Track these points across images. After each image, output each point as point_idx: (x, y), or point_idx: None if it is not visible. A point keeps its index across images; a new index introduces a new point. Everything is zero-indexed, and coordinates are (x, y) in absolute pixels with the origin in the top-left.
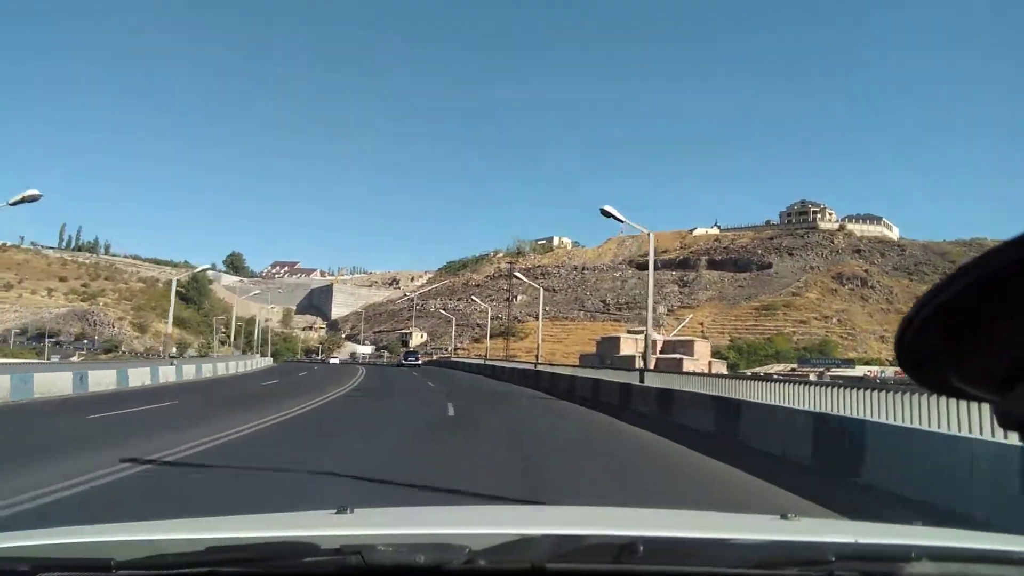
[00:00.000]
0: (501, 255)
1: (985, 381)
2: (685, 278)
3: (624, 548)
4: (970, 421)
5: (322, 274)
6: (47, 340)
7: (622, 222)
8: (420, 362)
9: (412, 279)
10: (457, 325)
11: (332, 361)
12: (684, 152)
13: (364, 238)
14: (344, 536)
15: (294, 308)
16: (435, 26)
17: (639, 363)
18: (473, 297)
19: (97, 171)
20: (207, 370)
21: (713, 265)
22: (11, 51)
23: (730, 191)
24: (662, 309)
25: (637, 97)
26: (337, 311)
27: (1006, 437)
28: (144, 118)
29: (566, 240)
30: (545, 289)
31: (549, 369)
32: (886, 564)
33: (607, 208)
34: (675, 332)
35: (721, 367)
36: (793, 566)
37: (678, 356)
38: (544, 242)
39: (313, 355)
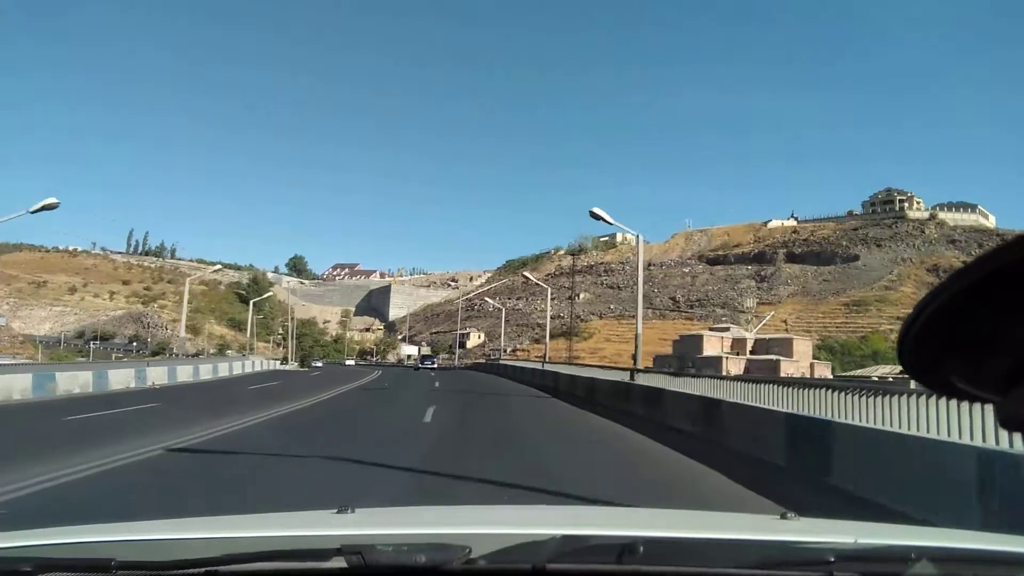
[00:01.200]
0: (562, 252)
1: (988, 382)
2: (762, 272)
3: (625, 548)
4: None
5: (382, 275)
6: (91, 343)
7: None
8: (436, 365)
9: (471, 279)
10: (517, 325)
11: (348, 362)
12: (753, 143)
13: (424, 239)
14: (344, 536)
15: (353, 310)
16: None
17: (728, 366)
18: (525, 273)
19: (166, 179)
20: (205, 371)
21: (792, 258)
22: (88, 67)
23: (805, 181)
24: (750, 303)
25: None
26: (395, 312)
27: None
28: (211, 130)
29: (630, 236)
30: (608, 287)
31: (669, 387)
32: (886, 564)
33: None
34: (757, 330)
35: (824, 370)
36: (793, 566)
37: (773, 357)
38: (607, 239)
39: (368, 356)
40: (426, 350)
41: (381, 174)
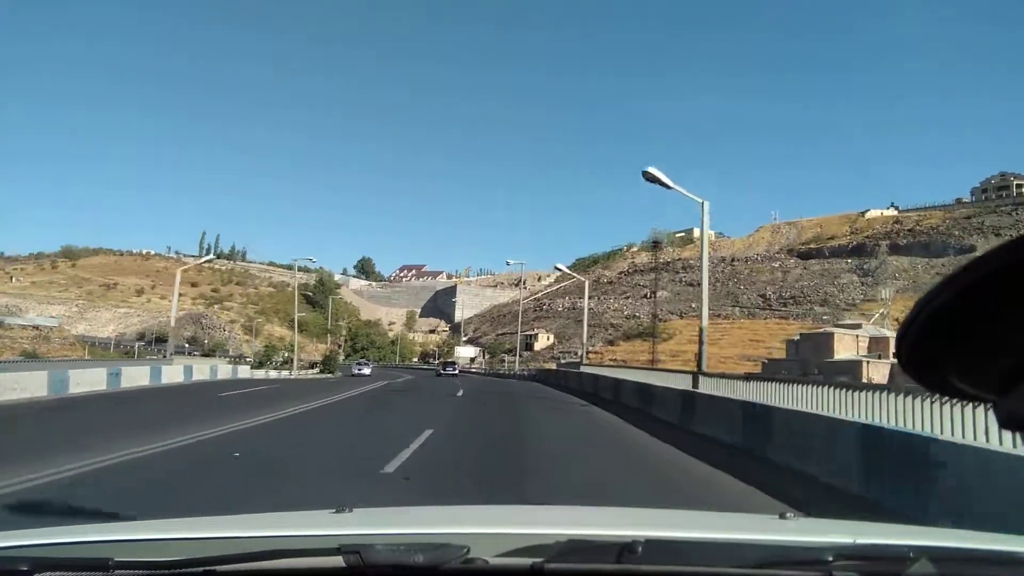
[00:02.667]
0: (635, 249)
1: (986, 382)
2: (864, 266)
3: (624, 548)
4: None
5: (448, 277)
6: (137, 344)
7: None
8: (457, 371)
9: (539, 279)
10: (588, 326)
11: (364, 371)
12: (848, 128)
13: (492, 240)
14: (343, 535)
15: (418, 311)
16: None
17: (869, 372)
18: (559, 265)
19: (240, 183)
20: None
21: (897, 250)
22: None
23: (905, 167)
24: (886, 293)
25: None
26: (460, 313)
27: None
28: (285, 134)
29: (710, 231)
30: (688, 284)
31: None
32: (885, 564)
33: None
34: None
35: None
36: (792, 566)
37: None
38: (683, 234)
39: (431, 359)
40: (472, 352)
41: (450, 177)
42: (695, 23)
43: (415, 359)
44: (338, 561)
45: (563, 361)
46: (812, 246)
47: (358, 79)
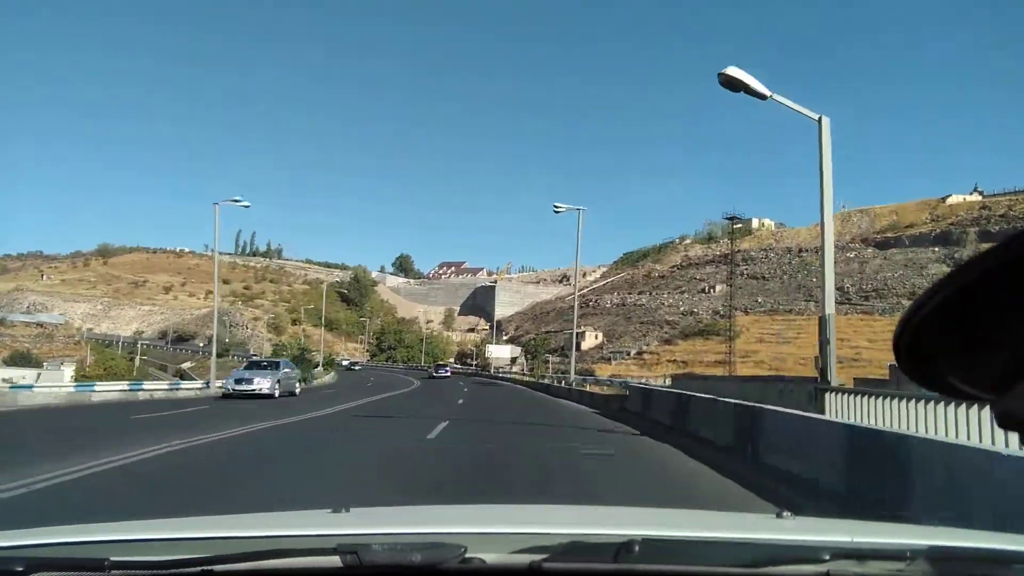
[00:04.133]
0: (688, 241)
1: (984, 380)
2: (954, 255)
3: (622, 547)
4: None
5: (489, 274)
6: (138, 342)
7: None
8: (449, 374)
9: (584, 275)
10: (640, 323)
11: (355, 366)
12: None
13: (534, 237)
14: (340, 535)
15: (457, 309)
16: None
17: None
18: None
19: (277, 180)
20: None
21: (987, 237)
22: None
23: (984, 149)
24: None
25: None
26: (501, 311)
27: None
28: (321, 128)
29: (767, 221)
30: (751, 277)
31: None
32: (882, 563)
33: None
34: None
35: None
36: (789, 565)
37: None
38: (740, 225)
39: (468, 360)
40: (508, 352)
41: (491, 171)
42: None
43: (451, 359)
44: (335, 561)
45: (613, 363)
46: (889, 235)
47: (401, 74)
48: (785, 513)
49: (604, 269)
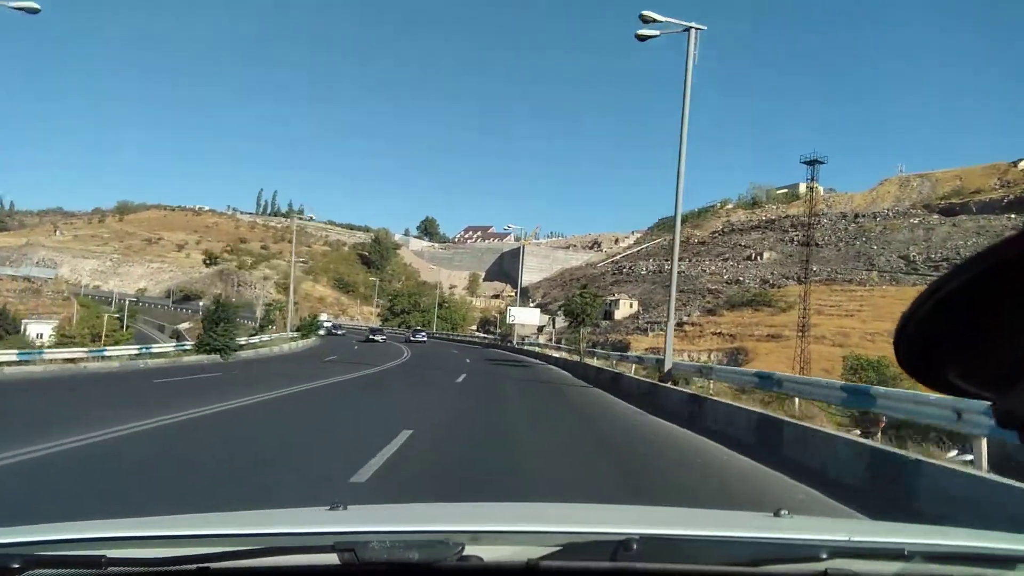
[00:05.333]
0: (731, 206)
1: (984, 379)
2: None
3: (620, 545)
4: None
5: (516, 239)
6: (137, 300)
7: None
8: (426, 339)
9: (616, 241)
10: (680, 292)
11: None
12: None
13: (563, 202)
14: (337, 533)
15: (482, 275)
16: None
17: None
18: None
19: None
20: None
21: None
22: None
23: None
24: None
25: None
26: (528, 276)
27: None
28: (352, 93)
29: (817, 186)
30: (802, 243)
31: None
32: (879, 562)
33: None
34: None
35: None
36: (787, 563)
37: None
38: (786, 190)
39: (491, 327)
40: (536, 318)
41: (520, 134)
42: None
43: (473, 327)
44: (333, 558)
45: (651, 334)
46: (954, 201)
47: (429, 35)
48: (783, 512)
49: (638, 235)
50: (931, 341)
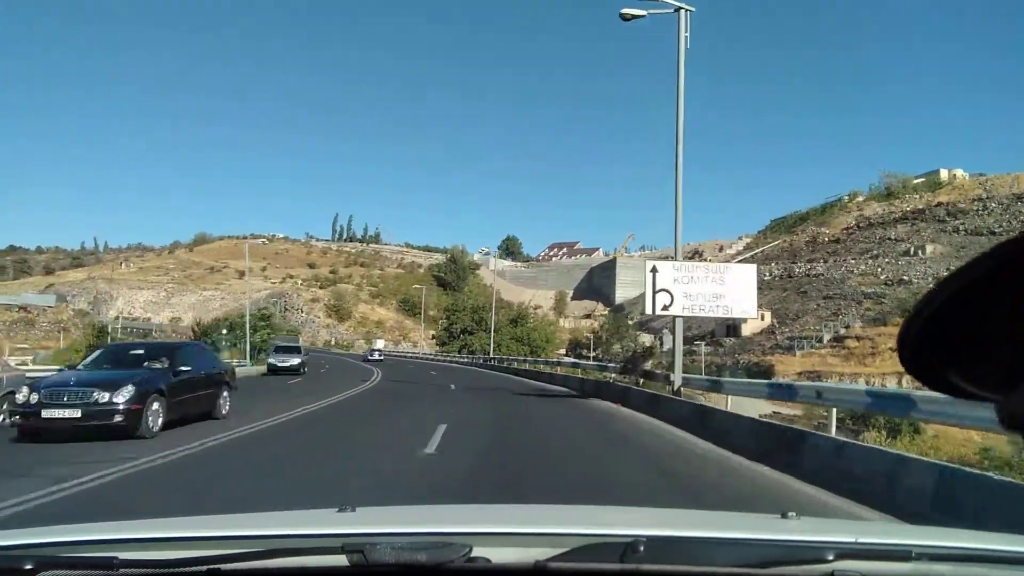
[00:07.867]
0: (861, 199)
1: (988, 381)
2: None
3: (627, 547)
4: None
5: (605, 255)
6: (129, 328)
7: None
8: (382, 358)
9: (720, 249)
10: (823, 298)
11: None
12: None
13: (657, 210)
14: (346, 534)
15: (570, 293)
16: None
17: None
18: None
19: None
20: None
21: None
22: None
23: None
24: None
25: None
26: (622, 293)
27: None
28: (426, 114)
29: (958, 172)
30: (972, 233)
31: None
32: (886, 563)
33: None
34: None
35: None
36: (794, 565)
37: None
38: (922, 179)
39: (583, 352)
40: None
41: (607, 148)
42: None
43: (563, 351)
44: (342, 560)
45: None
46: None
47: (503, 57)
48: (790, 513)
49: (748, 240)
50: (935, 344)
